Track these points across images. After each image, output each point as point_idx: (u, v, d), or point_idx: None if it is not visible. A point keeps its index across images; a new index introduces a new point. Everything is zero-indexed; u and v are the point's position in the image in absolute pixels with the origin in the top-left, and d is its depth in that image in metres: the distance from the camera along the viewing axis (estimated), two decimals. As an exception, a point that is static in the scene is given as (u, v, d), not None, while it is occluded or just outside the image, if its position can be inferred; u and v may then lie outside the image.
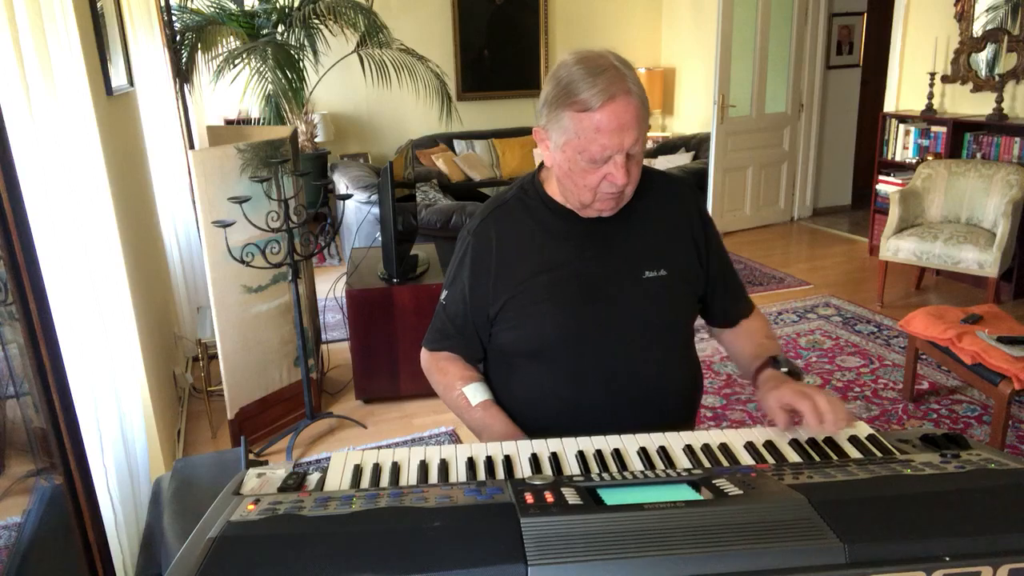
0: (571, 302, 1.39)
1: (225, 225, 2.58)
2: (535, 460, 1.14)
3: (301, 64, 5.13)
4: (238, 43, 5.21)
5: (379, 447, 1.23)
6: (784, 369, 1.37)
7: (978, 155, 4.60)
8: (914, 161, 4.95)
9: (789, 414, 1.23)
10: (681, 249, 1.45)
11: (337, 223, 4.58)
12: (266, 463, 1.15)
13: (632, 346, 1.40)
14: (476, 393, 1.43)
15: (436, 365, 1.52)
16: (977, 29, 4.65)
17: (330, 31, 5.44)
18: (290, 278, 2.87)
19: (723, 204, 5.92)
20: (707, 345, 3.70)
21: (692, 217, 1.48)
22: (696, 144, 6.49)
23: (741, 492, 0.90)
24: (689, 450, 1.16)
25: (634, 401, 1.41)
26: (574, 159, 1.28)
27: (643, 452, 1.16)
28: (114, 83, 2.76)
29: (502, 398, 1.47)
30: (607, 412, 1.40)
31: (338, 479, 1.07)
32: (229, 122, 5.94)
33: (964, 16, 4.70)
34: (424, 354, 1.56)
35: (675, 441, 1.19)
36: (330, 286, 4.11)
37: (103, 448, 1.93)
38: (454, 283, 1.48)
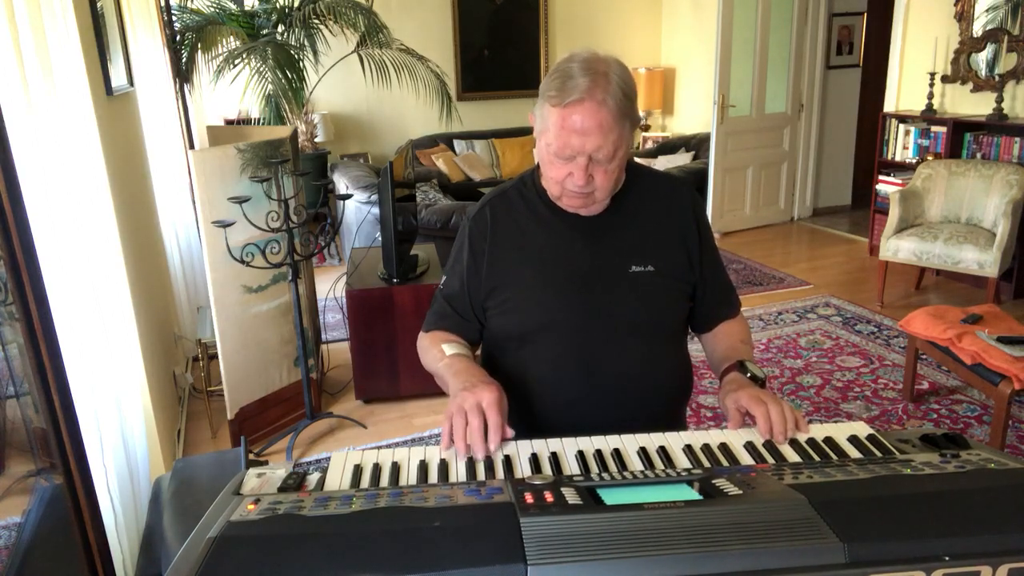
0: (557, 291, 1.42)
1: (225, 225, 2.58)
2: (535, 460, 1.14)
3: (301, 64, 5.13)
4: (238, 43, 5.21)
5: (379, 447, 1.23)
6: (748, 375, 1.38)
7: (978, 155, 4.60)
8: (914, 161, 4.95)
9: (743, 416, 1.27)
10: (671, 247, 1.46)
11: (337, 223, 4.58)
12: (266, 463, 1.15)
13: (614, 338, 1.42)
14: (452, 348, 1.44)
15: (428, 339, 1.53)
16: (977, 29, 4.65)
17: (330, 31, 5.44)
18: (290, 278, 2.87)
19: (723, 204, 5.92)
20: (707, 345, 3.70)
21: (687, 219, 1.49)
22: (696, 144, 6.49)
23: (741, 492, 0.90)
24: (689, 450, 1.16)
25: (616, 393, 1.42)
26: (545, 149, 1.33)
27: (643, 452, 1.16)
28: (114, 83, 2.76)
29: None
30: (588, 402, 1.42)
31: (338, 479, 1.07)
32: (229, 122, 5.94)
33: (964, 16, 4.70)
34: (420, 337, 1.58)
35: (675, 441, 1.19)
36: (330, 286, 4.11)
37: (103, 448, 1.93)
38: (453, 268, 1.53)
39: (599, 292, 1.41)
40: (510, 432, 1.20)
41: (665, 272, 1.44)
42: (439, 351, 1.44)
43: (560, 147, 1.29)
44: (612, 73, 1.27)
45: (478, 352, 1.60)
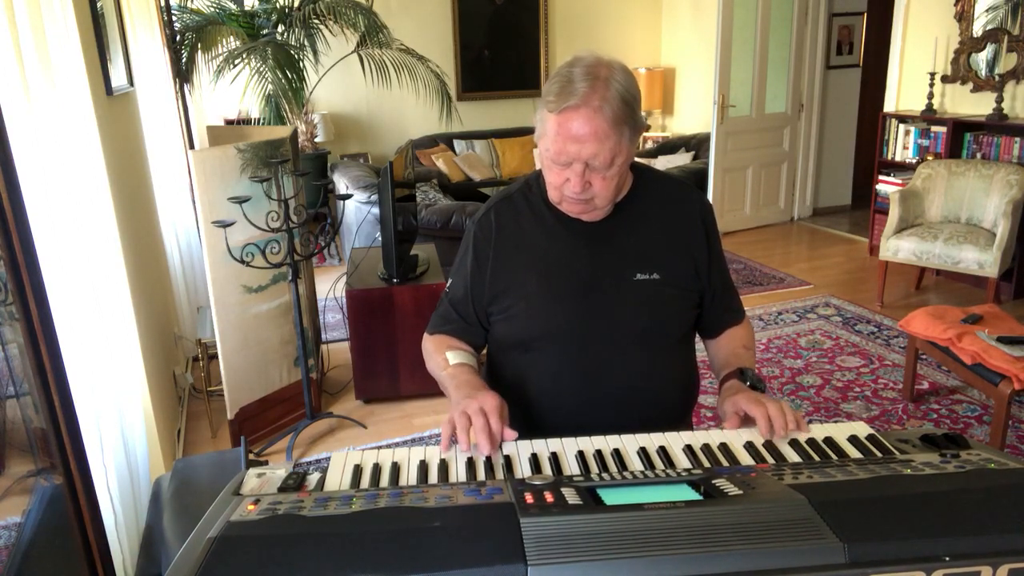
0: (560, 298, 1.41)
1: (225, 225, 2.58)
2: (535, 460, 1.14)
3: (301, 64, 5.13)
4: (238, 43, 5.21)
5: (379, 447, 1.23)
6: (748, 383, 1.37)
7: (978, 155, 4.60)
8: (914, 161, 4.95)
9: (742, 419, 1.27)
10: (678, 255, 1.45)
11: (337, 223, 4.58)
12: (266, 463, 1.15)
13: (618, 347, 1.41)
14: (456, 357, 1.44)
15: (433, 343, 1.53)
16: (977, 29, 4.65)
17: (330, 31, 5.44)
18: (290, 278, 2.87)
19: (723, 204, 5.92)
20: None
21: (695, 226, 1.47)
22: (696, 144, 6.49)
23: (741, 492, 0.90)
24: (689, 450, 1.16)
25: (619, 402, 1.42)
26: (544, 154, 1.32)
27: (643, 452, 1.16)
28: (114, 83, 2.76)
29: (494, 388, 1.47)
30: (590, 411, 1.42)
31: (338, 479, 1.07)
32: (229, 122, 5.94)
33: (964, 16, 4.70)
34: (425, 339, 1.58)
35: (675, 441, 1.19)
36: (330, 286, 4.11)
37: (103, 448, 1.93)
38: (458, 271, 1.52)
39: (602, 300, 1.40)
40: (512, 434, 1.20)
41: (671, 281, 1.42)
42: (443, 359, 1.44)
43: (557, 153, 1.28)
44: (613, 79, 1.26)
45: (484, 354, 1.60)
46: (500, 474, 1.11)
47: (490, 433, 1.17)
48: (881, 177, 5.18)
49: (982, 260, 3.97)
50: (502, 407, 1.23)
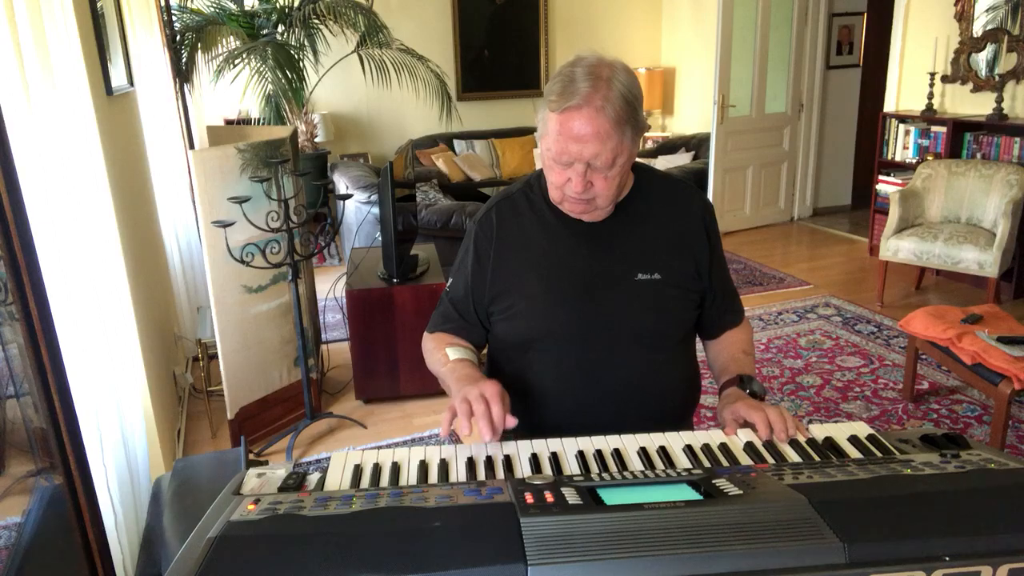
0: (561, 298, 1.41)
1: (225, 225, 2.58)
2: (535, 460, 1.14)
3: (301, 64, 5.13)
4: (238, 43, 5.20)
5: (379, 447, 1.23)
6: (748, 390, 1.37)
7: (978, 155, 4.60)
8: (914, 161, 4.95)
9: (741, 427, 1.27)
10: (679, 255, 1.45)
11: (337, 223, 4.58)
12: (266, 463, 1.15)
13: (619, 346, 1.41)
14: (456, 353, 1.45)
15: (433, 341, 1.54)
16: (977, 29, 4.65)
17: (330, 31, 5.44)
18: (290, 278, 2.87)
19: (723, 204, 5.92)
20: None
21: (697, 226, 1.47)
22: (696, 144, 6.49)
23: (741, 492, 0.90)
24: (689, 450, 1.16)
25: (619, 403, 1.42)
26: (546, 154, 1.32)
27: (643, 452, 1.16)
28: (114, 83, 2.76)
29: None
30: (591, 411, 1.42)
31: (338, 479, 1.07)
32: (229, 122, 5.94)
33: (964, 16, 4.70)
34: (425, 338, 1.58)
35: (675, 441, 1.19)
36: (330, 286, 4.11)
37: (103, 448, 1.93)
38: (459, 271, 1.52)
39: (603, 300, 1.40)
40: (513, 420, 1.21)
41: (672, 281, 1.42)
42: (443, 355, 1.45)
43: (558, 152, 1.28)
44: (615, 79, 1.26)
45: (484, 353, 1.60)
46: (500, 474, 1.11)
47: (491, 420, 1.18)
48: (881, 177, 5.18)
49: (982, 260, 3.97)
50: (503, 394, 1.24)
